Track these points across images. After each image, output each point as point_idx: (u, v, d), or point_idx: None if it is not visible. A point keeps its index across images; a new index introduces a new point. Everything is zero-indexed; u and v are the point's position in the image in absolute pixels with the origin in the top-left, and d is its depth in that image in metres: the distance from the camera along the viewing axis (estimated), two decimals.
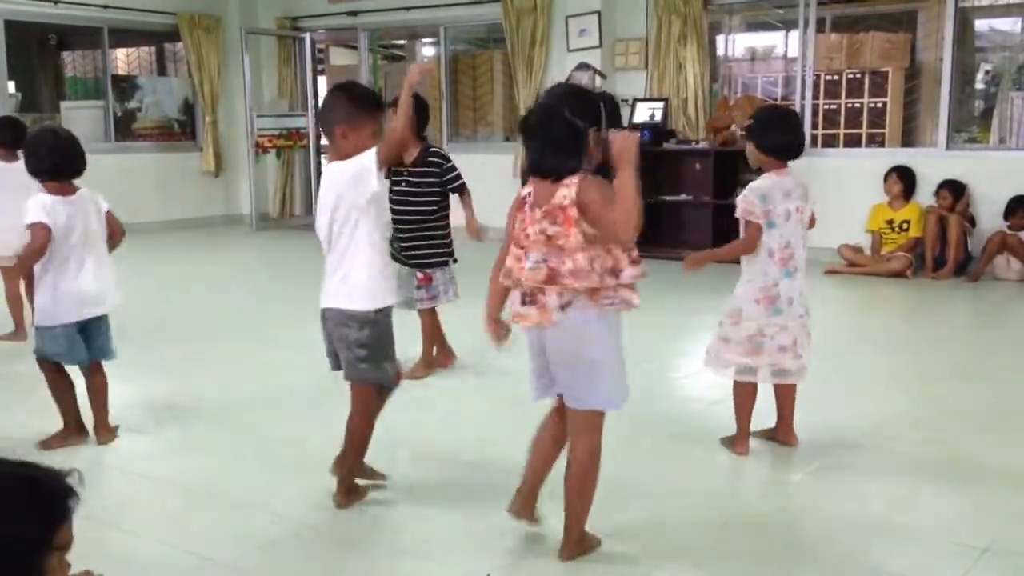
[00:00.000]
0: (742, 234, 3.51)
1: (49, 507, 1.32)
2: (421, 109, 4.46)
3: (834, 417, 4.04)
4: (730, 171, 8.54)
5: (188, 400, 4.34)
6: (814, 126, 9.17)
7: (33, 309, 3.77)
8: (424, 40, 14.59)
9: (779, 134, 3.51)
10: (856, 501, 3.17)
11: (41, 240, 3.49)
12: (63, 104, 11.33)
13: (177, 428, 3.97)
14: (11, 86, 10.56)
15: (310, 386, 4.23)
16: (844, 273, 7.80)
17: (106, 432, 3.76)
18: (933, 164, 7.97)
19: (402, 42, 15.43)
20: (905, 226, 7.83)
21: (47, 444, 3.66)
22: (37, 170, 3.59)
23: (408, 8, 10.49)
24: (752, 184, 3.47)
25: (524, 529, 2.86)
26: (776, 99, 10.71)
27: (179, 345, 5.48)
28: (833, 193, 8.38)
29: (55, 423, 3.74)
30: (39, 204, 3.51)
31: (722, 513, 3.09)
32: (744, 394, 3.59)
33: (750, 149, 3.52)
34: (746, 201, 3.44)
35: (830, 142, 9.92)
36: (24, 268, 3.61)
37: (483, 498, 3.11)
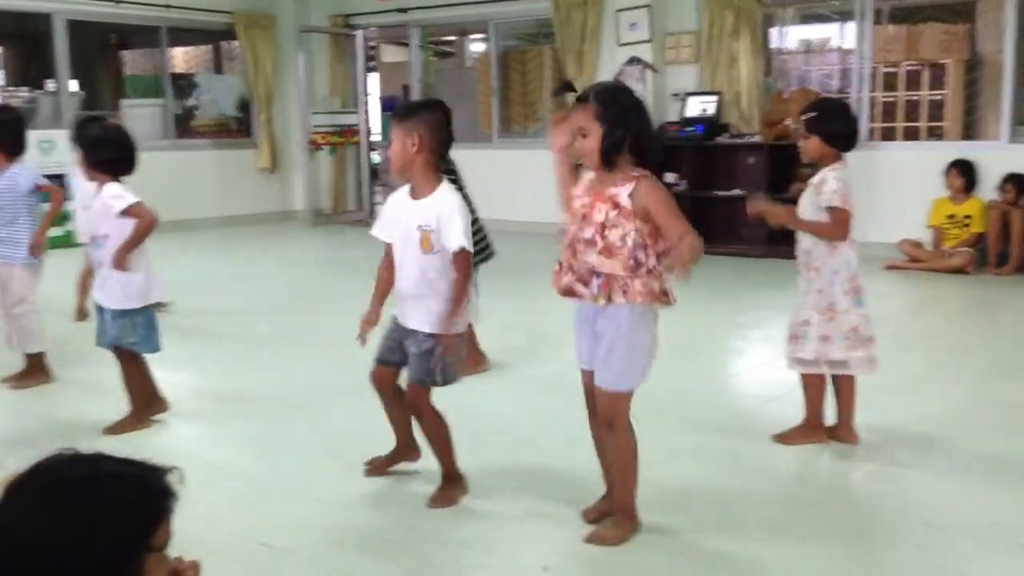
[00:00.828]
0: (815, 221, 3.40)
1: (153, 507, 1.30)
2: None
3: (894, 415, 3.98)
4: (784, 166, 8.43)
5: (244, 391, 4.41)
6: (872, 119, 9.01)
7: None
8: (473, 36, 14.64)
9: (845, 124, 3.47)
10: (918, 500, 3.12)
11: (153, 216, 3.68)
12: (124, 102, 11.57)
13: (237, 418, 4.04)
14: (74, 84, 10.81)
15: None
16: (904, 269, 7.66)
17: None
18: (995, 158, 7.79)
19: (452, 38, 15.50)
20: (967, 221, 7.66)
21: (114, 429, 3.75)
22: (106, 161, 3.71)
23: (458, 4, 10.52)
24: (838, 174, 3.38)
25: (577, 520, 2.87)
26: (832, 92, 10.55)
27: (236, 338, 5.57)
28: (892, 188, 8.26)
29: (107, 407, 3.84)
30: (124, 189, 3.68)
31: (783, 512, 3.06)
32: (821, 386, 3.57)
33: (814, 142, 3.42)
34: (844, 186, 3.35)
35: (888, 135, 9.75)
36: (137, 244, 3.68)
37: (536, 490, 3.12)
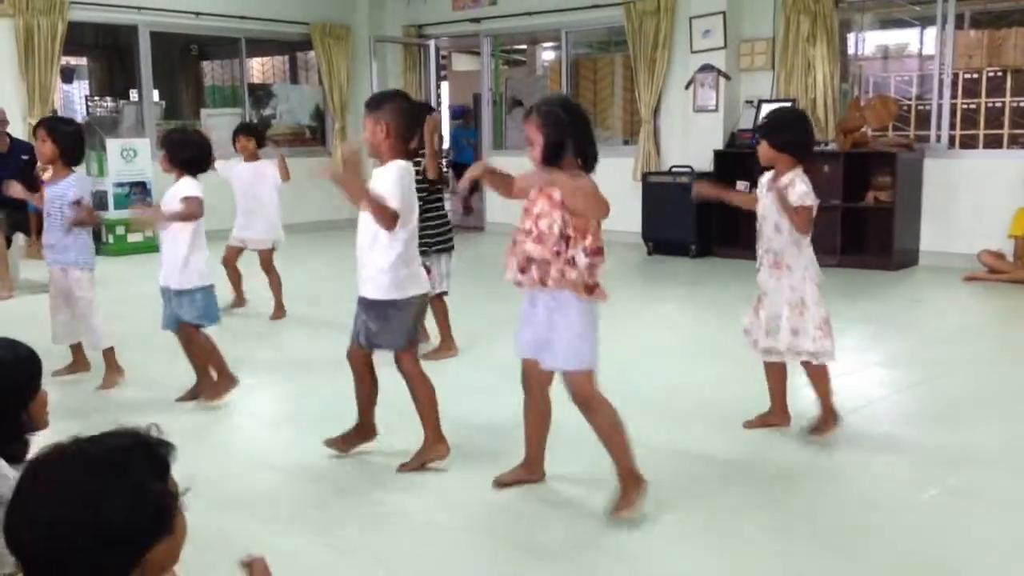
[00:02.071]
0: (789, 222, 3.60)
1: (165, 460, 1.48)
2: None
3: (970, 434, 3.87)
4: (860, 174, 8.28)
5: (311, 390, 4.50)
6: (952, 127, 8.78)
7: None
8: (545, 44, 14.69)
9: (794, 134, 3.67)
10: (996, 521, 3.03)
11: (199, 211, 4.22)
12: (203, 111, 11.89)
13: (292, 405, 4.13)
14: (156, 95, 11.15)
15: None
16: (985, 280, 7.43)
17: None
18: None
19: (523, 47, 15.57)
20: None
21: (209, 395, 4.24)
22: (186, 160, 4.24)
23: (530, 13, 10.57)
24: (802, 176, 3.63)
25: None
26: (910, 99, 10.31)
27: (306, 339, 5.67)
28: (973, 196, 8.04)
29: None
30: (196, 185, 4.23)
31: (854, 536, 3.00)
32: (784, 374, 3.77)
33: (763, 147, 3.65)
34: (806, 184, 3.61)
35: (969, 143, 9.48)
36: (181, 220, 4.20)
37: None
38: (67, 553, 1.37)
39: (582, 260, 2.88)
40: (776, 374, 3.83)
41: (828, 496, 3.24)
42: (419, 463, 3.41)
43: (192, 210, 4.16)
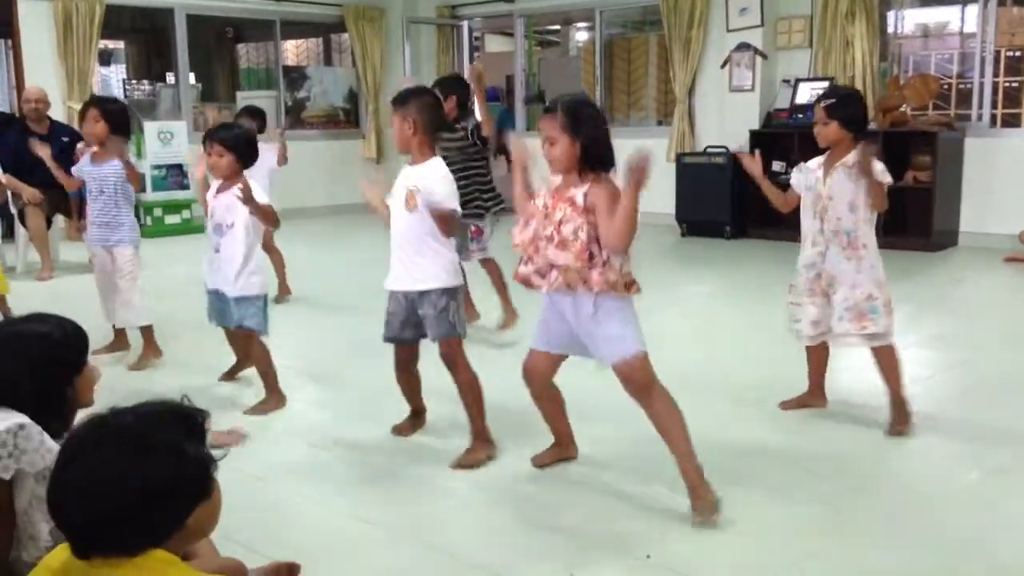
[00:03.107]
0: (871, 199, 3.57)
1: (200, 428, 1.54)
2: (461, 88, 5.19)
3: (1010, 415, 3.82)
4: (899, 153, 8.16)
5: (338, 369, 4.53)
6: (993, 105, 8.62)
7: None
8: (579, 24, 14.58)
9: (860, 109, 3.65)
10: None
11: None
12: (239, 94, 11.96)
13: (323, 392, 4.16)
14: (192, 77, 11.23)
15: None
16: None
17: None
18: None
19: (556, 27, 15.47)
20: None
21: (257, 409, 3.97)
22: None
23: None
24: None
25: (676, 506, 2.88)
26: (951, 77, 10.13)
27: (334, 318, 5.70)
28: (1014, 175, 7.89)
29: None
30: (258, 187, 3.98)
31: (895, 519, 2.98)
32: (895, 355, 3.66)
33: (833, 128, 3.58)
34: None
35: (1011, 122, 9.31)
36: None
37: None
38: (112, 517, 1.41)
39: (616, 261, 2.83)
40: (820, 356, 3.78)
41: (868, 478, 3.21)
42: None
43: (273, 217, 3.94)
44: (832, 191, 3.57)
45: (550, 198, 2.92)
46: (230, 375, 4.40)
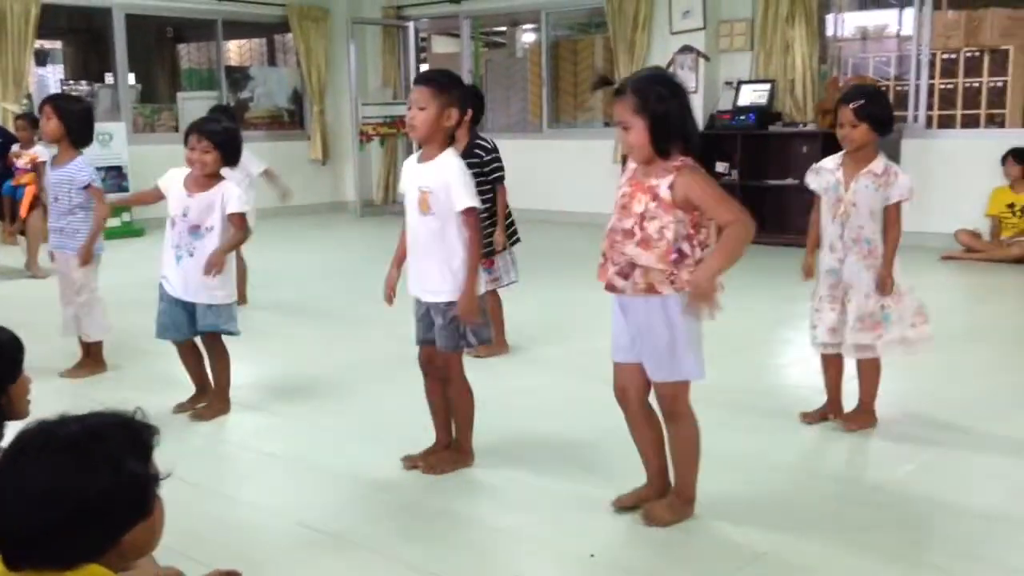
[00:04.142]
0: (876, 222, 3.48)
1: (147, 443, 1.50)
2: (476, 100, 4.61)
3: (945, 411, 3.91)
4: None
5: (296, 378, 4.48)
6: (930, 107, 8.83)
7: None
8: (525, 26, 14.61)
9: (888, 108, 3.55)
10: (971, 492, 3.07)
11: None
12: (180, 95, 11.77)
13: (285, 404, 4.11)
14: (132, 78, 11.02)
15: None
16: (961, 259, 7.51)
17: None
18: None
19: (503, 29, 15.49)
20: None
21: (204, 415, 3.89)
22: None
23: None
24: (897, 166, 3.49)
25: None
26: (889, 79, 10.34)
27: (288, 326, 5.64)
28: (950, 176, 8.09)
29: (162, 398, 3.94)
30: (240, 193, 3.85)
31: (837, 503, 3.03)
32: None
33: (863, 129, 3.43)
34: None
35: (947, 123, 9.54)
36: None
37: (571, 474, 3.13)
38: (43, 527, 1.37)
39: (699, 256, 2.60)
40: (836, 367, 3.66)
41: (805, 473, 3.28)
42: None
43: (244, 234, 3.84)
44: (856, 198, 3.45)
45: (628, 186, 2.67)
46: (191, 405, 3.98)
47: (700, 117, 9.11)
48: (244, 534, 2.84)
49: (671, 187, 2.56)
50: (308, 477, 3.31)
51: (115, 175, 9.49)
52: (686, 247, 2.59)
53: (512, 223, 4.81)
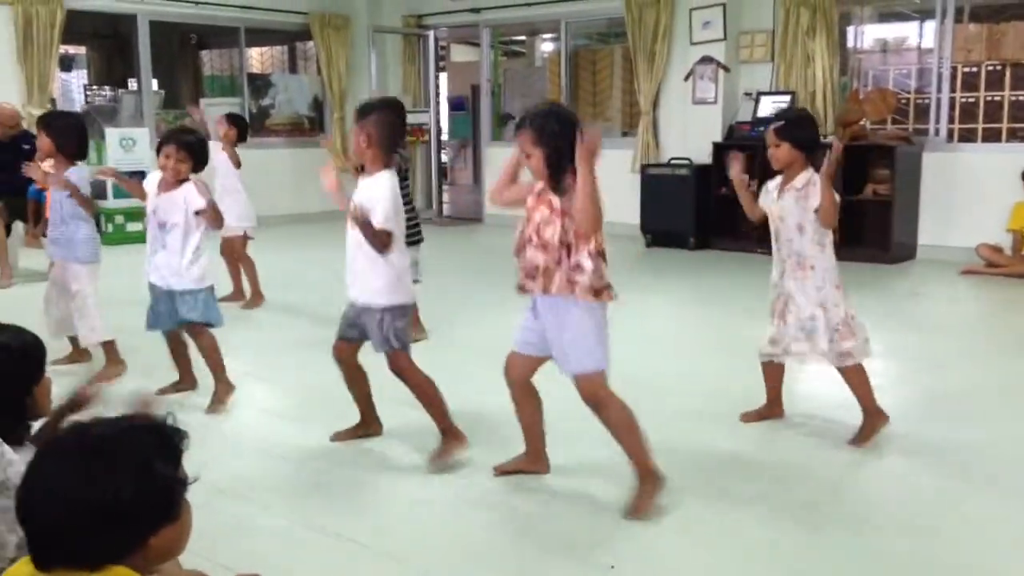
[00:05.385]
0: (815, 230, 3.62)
1: (177, 447, 1.51)
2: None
3: (964, 428, 3.89)
4: (858, 167, 8.29)
5: (303, 385, 4.51)
6: (951, 120, 8.79)
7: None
8: (545, 36, 14.66)
9: (811, 130, 3.72)
10: (989, 511, 3.06)
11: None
12: (202, 101, 11.85)
13: (281, 399, 4.14)
14: (155, 83, 11.12)
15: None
16: (982, 274, 7.46)
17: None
18: None
19: (522, 38, 15.54)
20: None
21: (208, 408, 4.08)
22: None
23: (530, 4, 10.57)
24: (814, 173, 3.63)
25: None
26: (909, 92, 10.31)
27: (298, 328, 5.67)
28: (971, 190, 8.05)
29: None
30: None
31: (850, 529, 3.02)
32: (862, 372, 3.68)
33: (784, 149, 3.61)
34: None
35: (968, 137, 9.49)
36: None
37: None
38: (71, 526, 1.40)
39: (588, 264, 2.89)
40: (776, 372, 3.83)
41: (824, 490, 3.27)
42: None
43: (220, 218, 4.13)
44: (783, 212, 3.64)
45: (533, 200, 3.01)
46: (173, 390, 4.27)
47: (719, 127, 9.13)
48: (263, 538, 2.86)
49: (562, 198, 2.91)
50: (327, 480, 3.33)
51: (138, 180, 9.56)
52: (563, 252, 2.88)
53: (417, 222, 5.17)
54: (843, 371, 3.66)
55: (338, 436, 3.67)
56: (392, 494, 3.21)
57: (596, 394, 2.99)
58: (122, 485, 1.40)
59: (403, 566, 2.69)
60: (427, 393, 3.45)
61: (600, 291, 2.92)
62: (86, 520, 1.39)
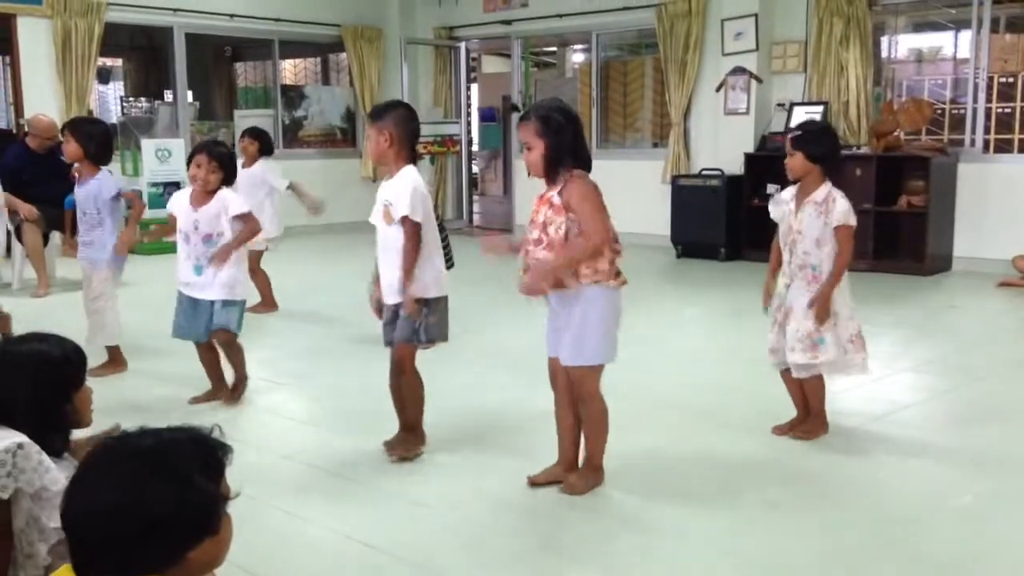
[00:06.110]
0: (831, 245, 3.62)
1: (219, 461, 1.50)
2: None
3: (1002, 441, 3.84)
4: (893, 178, 8.21)
5: (327, 391, 4.54)
6: (987, 131, 8.68)
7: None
8: (576, 47, 14.67)
9: (829, 143, 3.71)
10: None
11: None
12: (236, 113, 11.99)
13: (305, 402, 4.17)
14: (190, 95, 11.27)
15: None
16: (1018, 286, 7.36)
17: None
18: None
19: (553, 49, 15.56)
20: None
21: (229, 399, 4.30)
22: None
23: (561, 15, 10.59)
24: (840, 193, 3.63)
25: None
26: (944, 102, 10.21)
27: (329, 335, 5.71)
28: (1007, 201, 7.96)
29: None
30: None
31: (883, 543, 2.99)
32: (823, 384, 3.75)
33: (798, 159, 3.62)
34: (847, 200, 3.63)
35: (1004, 147, 9.38)
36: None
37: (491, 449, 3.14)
38: (112, 538, 1.40)
39: (607, 252, 2.98)
40: (796, 383, 3.79)
41: (857, 502, 3.22)
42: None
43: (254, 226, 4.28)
44: (802, 226, 3.63)
45: (535, 203, 3.08)
46: (206, 399, 4.34)
47: (751, 138, 9.08)
48: (299, 548, 2.88)
49: (561, 193, 2.99)
50: (355, 490, 3.35)
51: (173, 191, 9.68)
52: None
53: (448, 246, 5.07)
54: (805, 380, 3.68)
55: (389, 448, 3.60)
56: (401, 495, 3.22)
57: (586, 391, 3.10)
58: (161, 498, 1.40)
59: (415, 569, 2.69)
60: (417, 392, 3.56)
61: (611, 276, 3.01)
62: (127, 531, 1.40)
